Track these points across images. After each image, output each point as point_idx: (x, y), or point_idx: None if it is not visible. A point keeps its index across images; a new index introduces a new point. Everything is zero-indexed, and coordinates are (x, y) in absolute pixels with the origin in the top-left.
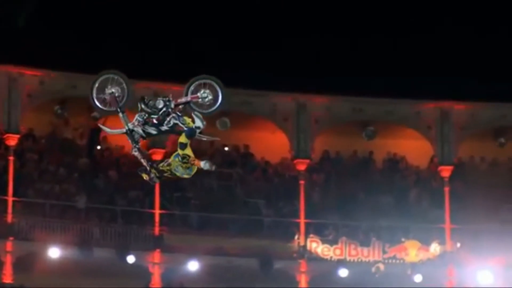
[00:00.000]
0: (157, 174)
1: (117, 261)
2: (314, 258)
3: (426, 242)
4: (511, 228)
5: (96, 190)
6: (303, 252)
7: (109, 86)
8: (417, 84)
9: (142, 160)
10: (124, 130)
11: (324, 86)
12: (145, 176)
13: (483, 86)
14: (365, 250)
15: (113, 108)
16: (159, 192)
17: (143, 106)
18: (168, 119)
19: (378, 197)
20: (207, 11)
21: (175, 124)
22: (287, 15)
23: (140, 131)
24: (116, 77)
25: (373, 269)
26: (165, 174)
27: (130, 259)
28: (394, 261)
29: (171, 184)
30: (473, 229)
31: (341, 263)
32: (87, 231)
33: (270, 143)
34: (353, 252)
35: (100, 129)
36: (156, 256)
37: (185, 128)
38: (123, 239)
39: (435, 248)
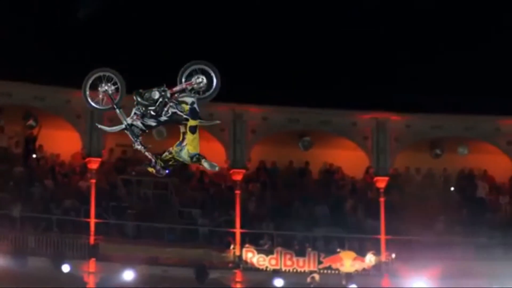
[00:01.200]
0: (163, 165)
1: (52, 270)
2: (249, 268)
3: (361, 253)
4: (445, 239)
5: (32, 199)
6: (239, 262)
7: (102, 84)
8: (353, 95)
9: (147, 153)
10: (124, 126)
11: (261, 96)
12: (151, 170)
13: (419, 97)
14: (301, 260)
15: (109, 106)
16: (95, 201)
17: (139, 99)
18: (166, 109)
19: (314, 207)
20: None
21: (173, 113)
22: (227, 26)
23: (140, 125)
24: (108, 74)
25: (309, 279)
26: (170, 163)
27: (65, 268)
28: (329, 271)
29: (106, 193)
30: (408, 240)
31: (277, 273)
32: (22, 240)
33: (206, 152)
34: (288, 262)
35: (36, 138)
36: (92, 265)
37: (184, 116)
38: (58, 248)
39: (370, 258)
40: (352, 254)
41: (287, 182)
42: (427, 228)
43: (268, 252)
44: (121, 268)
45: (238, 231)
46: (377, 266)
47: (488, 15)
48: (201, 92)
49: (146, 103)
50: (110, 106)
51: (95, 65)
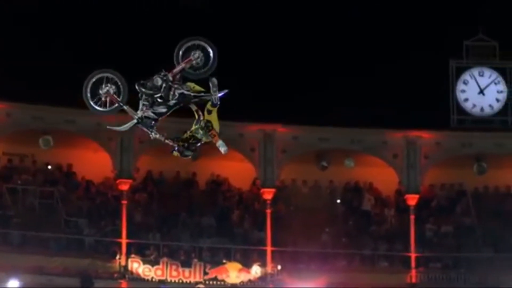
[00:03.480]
0: (185, 145)
1: None
2: (135, 278)
3: (247, 264)
4: (331, 250)
5: None
6: (124, 272)
7: (102, 86)
8: (241, 106)
9: (167, 141)
10: (136, 121)
11: None
12: (176, 154)
13: (306, 109)
14: (186, 271)
15: (115, 106)
16: None
17: (143, 89)
18: (172, 92)
19: (200, 218)
20: None
21: (180, 94)
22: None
23: (152, 115)
24: (105, 75)
25: None
26: (190, 141)
27: None
28: (215, 282)
29: None
30: (294, 252)
31: (162, 283)
32: None
33: (93, 162)
34: (174, 273)
35: None
36: None
37: (192, 94)
38: None
39: (256, 270)
40: (237, 266)
41: (173, 193)
42: (313, 239)
43: (154, 263)
44: (6, 277)
45: (124, 241)
46: (262, 278)
47: (378, 33)
48: (199, 68)
49: (151, 92)
50: (116, 106)
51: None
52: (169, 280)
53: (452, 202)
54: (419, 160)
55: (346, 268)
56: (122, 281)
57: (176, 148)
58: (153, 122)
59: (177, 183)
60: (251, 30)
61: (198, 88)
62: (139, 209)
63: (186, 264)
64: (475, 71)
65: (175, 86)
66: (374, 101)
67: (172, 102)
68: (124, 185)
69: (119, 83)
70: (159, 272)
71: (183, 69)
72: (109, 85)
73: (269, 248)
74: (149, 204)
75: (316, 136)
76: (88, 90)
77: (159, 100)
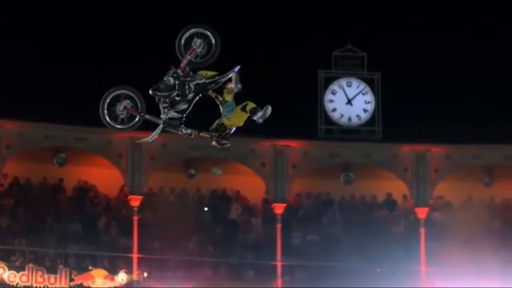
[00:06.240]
0: (216, 134)
1: None
2: (0, 285)
3: (113, 271)
4: (197, 258)
5: None
6: None
7: (118, 104)
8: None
9: (201, 134)
10: (161, 126)
11: (16, 111)
12: (214, 144)
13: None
14: (52, 277)
15: (137, 119)
16: None
17: (158, 93)
18: (187, 86)
19: (67, 224)
20: None
21: (195, 85)
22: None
23: (175, 114)
24: (120, 92)
25: None
26: (220, 129)
27: None
28: None
29: None
30: (160, 259)
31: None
32: None
33: None
34: (39, 279)
35: None
36: None
37: (207, 81)
38: None
39: (122, 277)
40: (103, 272)
41: (40, 198)
42: (180, 247)
43: (20, 269)
44: None
45: None
46: (128, 285)
47: (247, 41)
48: (204, 55)
49: (167, 93)
50: (137, 119)
51: None
52: (34, 286)
53: (319, 211)
54: (287, 169)
55: (213, 276)
56: None
57: (212, 139)
58: (179, 122)
59: (44, 189)
60: None
61: (210, 73)
62: (5, 215)
63: (52, 270)
64: (343, 81)
65: (188, 79)
66: None
67: (190, 96)
68: None
69: (135, 97)
70: (24, 278)
71: (189, 61)
72: (126, 101)
73: (135, 255)
74: (15, 209)
75: (184, 144)
76: (106, 112)
77: (177, 98)
